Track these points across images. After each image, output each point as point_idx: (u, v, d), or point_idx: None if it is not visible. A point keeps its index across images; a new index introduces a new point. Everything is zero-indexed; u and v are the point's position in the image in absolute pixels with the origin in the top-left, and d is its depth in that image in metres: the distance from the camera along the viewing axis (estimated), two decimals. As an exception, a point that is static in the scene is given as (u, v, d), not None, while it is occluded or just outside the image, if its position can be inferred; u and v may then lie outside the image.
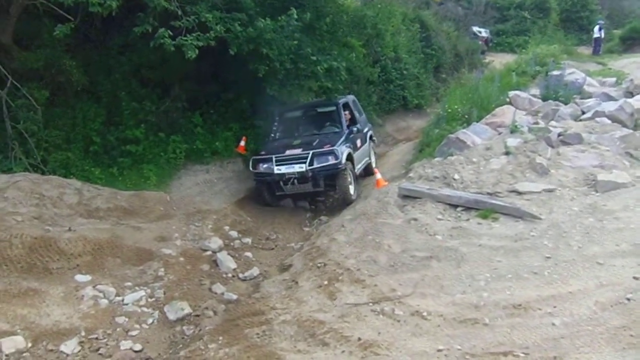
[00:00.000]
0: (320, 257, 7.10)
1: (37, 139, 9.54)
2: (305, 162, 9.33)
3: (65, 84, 10.46)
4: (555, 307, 5.13)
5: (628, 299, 4.99)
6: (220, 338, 5.50)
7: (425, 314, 5.35)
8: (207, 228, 8.50)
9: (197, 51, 8.85)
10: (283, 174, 9.42)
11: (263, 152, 9.96)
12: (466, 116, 11.22)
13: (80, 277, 6.57)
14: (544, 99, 11.38)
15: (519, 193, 7.66)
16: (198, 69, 11.69)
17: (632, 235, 6.17)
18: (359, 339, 5.05)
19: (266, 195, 10.01)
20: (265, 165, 9.61)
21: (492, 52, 26.21)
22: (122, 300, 6.28)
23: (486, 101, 11.66)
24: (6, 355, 5.20)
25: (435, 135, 10.80)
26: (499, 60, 21.74)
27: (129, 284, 6.59)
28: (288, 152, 9.59)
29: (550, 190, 7.61)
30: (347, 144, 10.01)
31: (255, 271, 7.08)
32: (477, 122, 10.60)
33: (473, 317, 5.16)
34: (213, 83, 12.32)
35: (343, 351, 4.93)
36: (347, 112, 11.22)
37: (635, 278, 5.33)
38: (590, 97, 11.02)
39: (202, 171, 10.87)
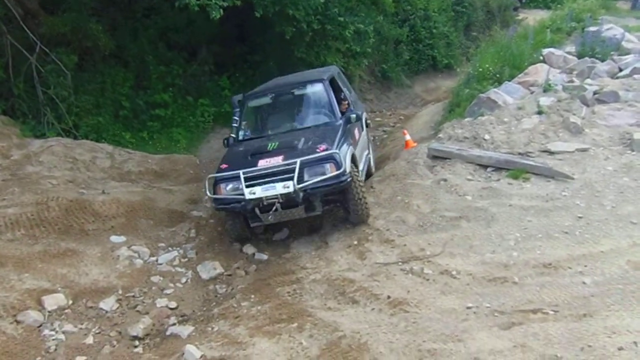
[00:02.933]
0: (347, 219, 7.14)
1: (67, 104, 9.75)
2: (291, 178, 6.01)
3: (93, 48, 10.60)
4: (586, 266, 5.09)
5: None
6: (252, 296, 5.66)
7: (454, 272, 5.38)
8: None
9: (221, 11, 8.81)
10: (259, 199, 6.03)
11: (224, 166, 6.51)
12: (497, 75, 10.91)
13: (115, 238, 6.79)
14: (580, 56, 10.98)
15: (551, 153, 7.51)
16: (224, 32, 11.68)
17: (666, 194, 6.04)
18: (389, 297, 5.12)
19: (235, 229, 6.69)
20: (229, 187, 6.29)
21: (526, 9, 25.31)
22: (156, 260, 6.50)
23: (519, 59, 11.28)
24: (49, 312, 5.46)
25: (465, 95, 10.58)
26: (532, 17, 21.00)
27: (162, 244, 6.79)
28: (262, 164, 6.22)
29: (583, 150, 7.43)
30: (348, 141, 6.85)
31: (285, 232, 7.18)
32: (509, 81, 10.31)
33: (502, 276, 5.17)
34: (240, 45, 12.30)
35: (373, 309, 5.01)
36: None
37: (669, 238, 5.24)
38: (628, 53, 10.57)
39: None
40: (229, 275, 6.17)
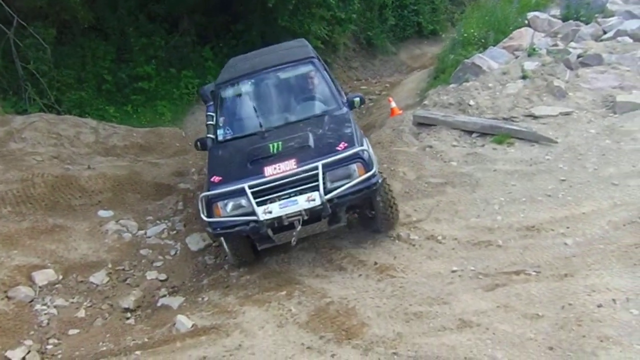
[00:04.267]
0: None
1: (48, 79, 9.62)
2: (315, 188, 4.82)
3: (72, 21, 10.41)
4: (568, 227, 5.19)
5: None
6: (241, 267, 5.72)
7: (440, 237, 5.47)
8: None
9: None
10: (277, 219, 4.82)
11: (216, 179, 5.11)
12: (482, 40, 10.86)
13: (102, 213, 6.81)
14: (564, 19, 10.94)
15: (535, 117, 7.57)
16: (206, 1, 11.48)
17: (649, 156, 6.14)
18: (375, 262, 5.21)
19: (238, 255, 5.53)
20: (230, 206, 4.99)
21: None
22: (145, 233, 6.54)
23: (503, 24, 11.22)
24: (40, 287, 5.51)
25: (450, 61, 10.55)
26: (517, -20, 20.84)
27: (150, 218, 6.82)
28: (270, 171, 4.93)
29: (567, 114, 7.49)
30: (361, 133, 5.77)
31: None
32: (494, 46, 10.28)
33: (487, 240, 5.27)
34: (222, 15, 12.11)
35: (360, 275, 5.10)
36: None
37: (649, 197, 5.35)
38: (612, 15, 10.53)
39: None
40: (218, 246, 6.20)
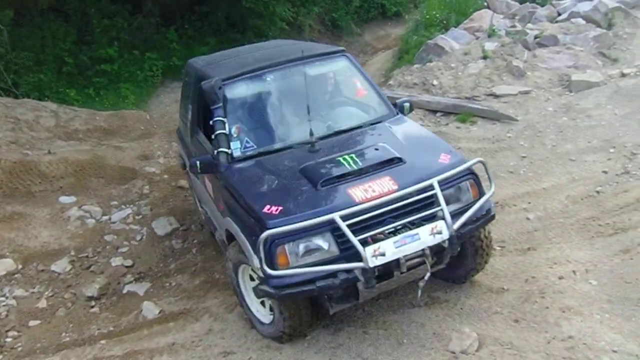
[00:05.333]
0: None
1: (5, 61, 9.29)
2: (431, 215, 3.49)
3: (30, 2, 10.04)
4: (529, 202, 5.35)
5: (597, 192, 5.23)
6: (209, 250, 5.68)
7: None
8: (189, 145, 8.52)
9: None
10: (392, 263, 3.34)
11: (276, 208, 3.44)
12: (444, 22, 11.07)
13: (64, 199, 6.63)
14: (521, 1, 11.22)
15: (496, 96, 7.75)
16: (168, -18, 11.24)
17: (603, 131, 6.37)
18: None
19: (298, 321, 3.78)
20: (303, 247, 3.36)
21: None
22: (109, 219, 6.39)
23: (464, 6, 11.48)
24: (-3, 278, 5.31)
25: (413, 42, 10.68)
26: (478, -38, 21.05)
27: (115, 202, 6.68)
28: (360, 195, 3.46)
29: (526, 92, 7.70)
30: None
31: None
32: (455, 27, 10.48)
33: (451, 217, 5.36)
34: (187, -3, 11.87)
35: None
36: None
37: (604, 172, 5.57)
38: (566, -3, 10.88)
39: (181, 88, 10.68)
40: (185, 230, 6.14)
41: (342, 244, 3.32)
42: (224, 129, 4.09)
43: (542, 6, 10.72)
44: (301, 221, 3.27)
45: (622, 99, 7.11)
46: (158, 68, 10.79)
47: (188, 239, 6.04)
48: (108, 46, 10.61)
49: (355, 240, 3.23)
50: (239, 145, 4.13)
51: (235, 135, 4.16)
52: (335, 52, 4.82)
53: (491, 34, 9.36)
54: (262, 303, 3.97)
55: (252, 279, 3.90)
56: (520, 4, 11.13)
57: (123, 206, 6.62)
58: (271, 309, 3.85)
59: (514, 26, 9.87)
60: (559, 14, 10.23)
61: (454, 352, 3.42)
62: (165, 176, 7.38)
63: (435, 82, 8.33)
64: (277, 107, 4.49)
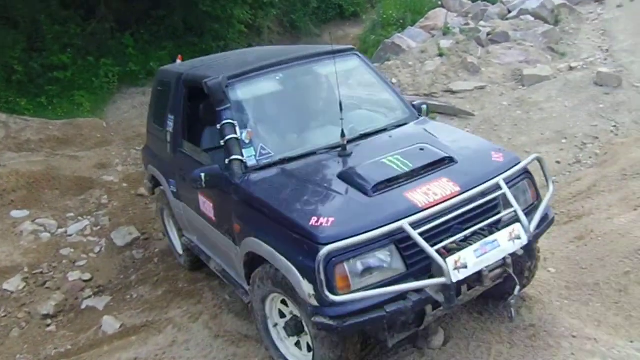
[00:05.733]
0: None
1: (-51, 71, 8.97)
2: (499, 219, 3.04)
3: (-25, 9, 9.72)
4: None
5: (552, 182, 5.37)
6: (171, 259, 5.57)
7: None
8: (148, 152, 8.39)
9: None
10: (475, 277, 2.83)
11: (327, 219, 2.79)
12: (401, 21, 11.25)
13: (16, 213, 6.38)
14: (474, 0, 11.47)
15: (453, 92, 7.92)
16: (123, -14, 11.05)
17: (554, 123, 6.59)
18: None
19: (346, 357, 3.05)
20: (360, 264, 2.73)
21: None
22: (65, 231, 6.16)
23: (419, 5, 11.70)
24: (-56, 300, 5.06)
25: (372, 42, 10.82)
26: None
27: (71, 214, 6.49)
28: (420, 197, 2.95)
29: (481, 88, 7.90)
30: None
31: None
32: (412, 26, 10.67)
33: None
34: (141, 1, 11.68)
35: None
36: None
37: (557, 162, 5.76)
38: (515, -5, 11.21)
39: (139, 93, 10.54)
40: (146, 239, 6.02)
41: (409, 257, 2.79)
42: (235, 133, 3.46)
43: (493, 4, 11.00)
44: (362, 233, 2.66)
45: (571, 91, 7.36)
46: (114, 74, 10.58)
47: (149, 248, 5.92)
48: (60, 53, 10.34)
49: (432, 251, 2.71)
50: (254, 153, 3.49)
51: (247, 142, 3.51)
52: (345, 51, 4.32)
53: (446, 32, 9.56)
54: (297, 344, 3.30)
55: (282, 314, 3.28)
56: (473, 2, 11.39)
57: (80, 218, 6.43)
58: (309, 349, 3.15)
59: (467, 24, 10.10)
60: (509, 12, 10.53)
61: (421, 348, 3.46)
62: (125, 184, 7.23)
63: (394, 80, 8.45)
64: (293, 108, 4.02)
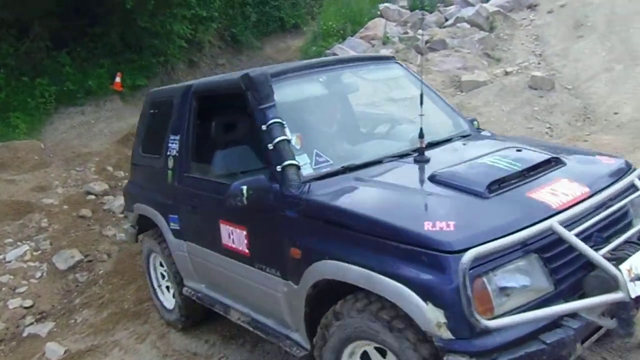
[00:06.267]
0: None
1: None
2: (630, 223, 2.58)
3: None
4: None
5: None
6: (116, 280, 5.46)
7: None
8: (89, 172, 8.17)
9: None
10: None
11: (446, 224, 2.17)
12: (341, 31, 11.43)
13: (-50, 242, 6.12)
14: (412, 9, 11.79)
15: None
16: (59, 4, 10.74)
17: (493, 127, 6.74)
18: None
19: None
20: (503, 277, 2.11)
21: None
22: (4, 258, 5.93)
23: (359, 15, 11.90)
24: None
25: (313, 53, 10.93)
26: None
27: (10, 240, 6.24)
28: (549, 197, 2.42)
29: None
30: None
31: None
32: (352, 36, 10.86)
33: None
34: (78, 18, 11.39)
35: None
36: None
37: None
38: (451, 4, 11.57)
39: (77, 113, 10.27)
40: (90, 261, 5.85)
41: (555, 271, 2.20)
42: (286, 134, 2.85)
43: (431, 12, 11.33)
44: (499, 237, 2.09)
45: (507, 96, 7.67)
46: (51, 94, 10.26)
47: (94, 270, 5.78)
48: (-7, 74, 9.99)
49: (598, 257, 2.15)
50: (308, 160, 2.91)
51: (297, 148, 2.94)
52: (387, 59, 4.09)
53: (386, 41, 9.78)
54: None
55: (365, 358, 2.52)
56: (411, 11, 11.69)
57: (19, 243, 6.20)
58: None
59: (406, 33, 10.37)
60: (446, 20, 10.88)
61: None
62: (65, 207, 7.01)
63: (335, 91, 8.58)
64: (342, 113, 3.65)
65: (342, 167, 2.92)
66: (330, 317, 2.52)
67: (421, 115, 2.91)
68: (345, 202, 2.63)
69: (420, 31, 10.23)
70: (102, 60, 11.21)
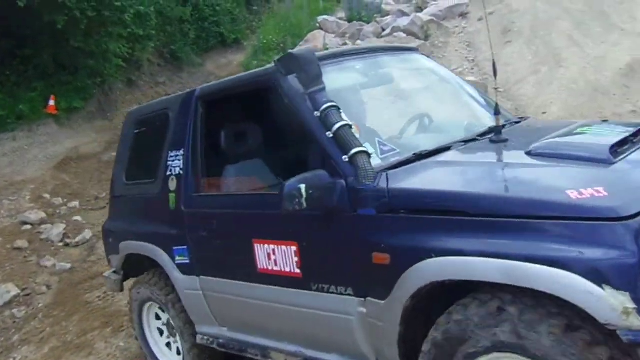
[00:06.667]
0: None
1: None
2: None
3: None
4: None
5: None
6: (57, 312, 5.25)
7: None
8: (24, 200, 7.85)
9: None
10: None
11: (596, 192, 1.79)
12: (281, 45, 11.46)
13: None
14: (349, 20, 11.95)
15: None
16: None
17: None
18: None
19: None
20: None
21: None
22: None
23: (298, 28, 11.98)
24: None
25: (254, 67, 10.83)
26: (308, -14, 22.13)
27: (-62, 280, 5.90)
28: None
29: (362, 105, 8.21)
30: None
31: (87, 234, 6.75)
32: (292, 49, 10.87)
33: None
34: (6, 40, 10.96)
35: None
36: None
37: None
38: (388, 15, 11.79)
39: (8, 139, 9.78)
40: (28, 295, 5.59)
41: None
42: (345, 119, 2.40)
43: (368, 23, 11.53)
44: None
45: (444, 102, 7.84)
46: (-22, 120, 9.82)
47: (32, 304, 5.52)
48: None
49: None
50: (372, 150, 2.47)
51: (357, 137, 2.47)
52: (411, 50, 3.75)
53: (325, 53, 9.88)
54: None
55: None
56: (349, 22, 11.87)
57: (-53, 284, 5.86)
58: None
59: (345, 44, 10.49)
60: (383, 30, 11.07)
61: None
62: None
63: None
64: (393, 100, 3.30)
65: (414, 154, 2.48)
66: (453, 328, 1.95)
67: (496, 88, 2.73)
68: (450, 185, 2.21)
69: (358, 41, 10.37)
70: (34, 83, 10.80)
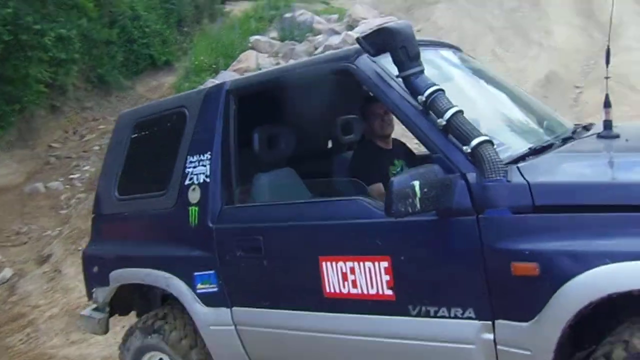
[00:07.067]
0: (84, 238, 6.61)
1: None
2: None
3: None
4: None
5: None
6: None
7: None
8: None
9: None
10: None
11: None
12: (214, 66, 11.37)
13: None
14: (282, 40, 12.03)
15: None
16: None
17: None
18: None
19: None
20: None
21: (232, 1, 26.47)
22: None
23: (230, 49, 11.92)
24: None
25: (186, 89, 10.66)
26: (238, 9, 22.06)
27: None
28: None
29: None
30: None
31: (7, 273, 6.29)
32: (225, 70, 10.81)
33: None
34: None
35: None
36: None
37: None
38: (319, 33, 11.94)
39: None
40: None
41: None
42: (455, 105, 2.04)
43: (300, 42, 11.62)
44: None
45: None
46: None
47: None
48: None
49: None
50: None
51: None
52: (454, 47, 3.26)
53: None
54: None
55: None
56: (281, 42, 11.92)
57: None
58: None
59: (278, 63, 10.49)
60: (316, 48, 11.20)
61: None
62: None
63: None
64: (478, 92, 2.91)
65: (529, 148, 2.19)
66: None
67: (607, 77, 2.34)
68: (609, 177, 1.94)
69: (291, 60, 10.39)
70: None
